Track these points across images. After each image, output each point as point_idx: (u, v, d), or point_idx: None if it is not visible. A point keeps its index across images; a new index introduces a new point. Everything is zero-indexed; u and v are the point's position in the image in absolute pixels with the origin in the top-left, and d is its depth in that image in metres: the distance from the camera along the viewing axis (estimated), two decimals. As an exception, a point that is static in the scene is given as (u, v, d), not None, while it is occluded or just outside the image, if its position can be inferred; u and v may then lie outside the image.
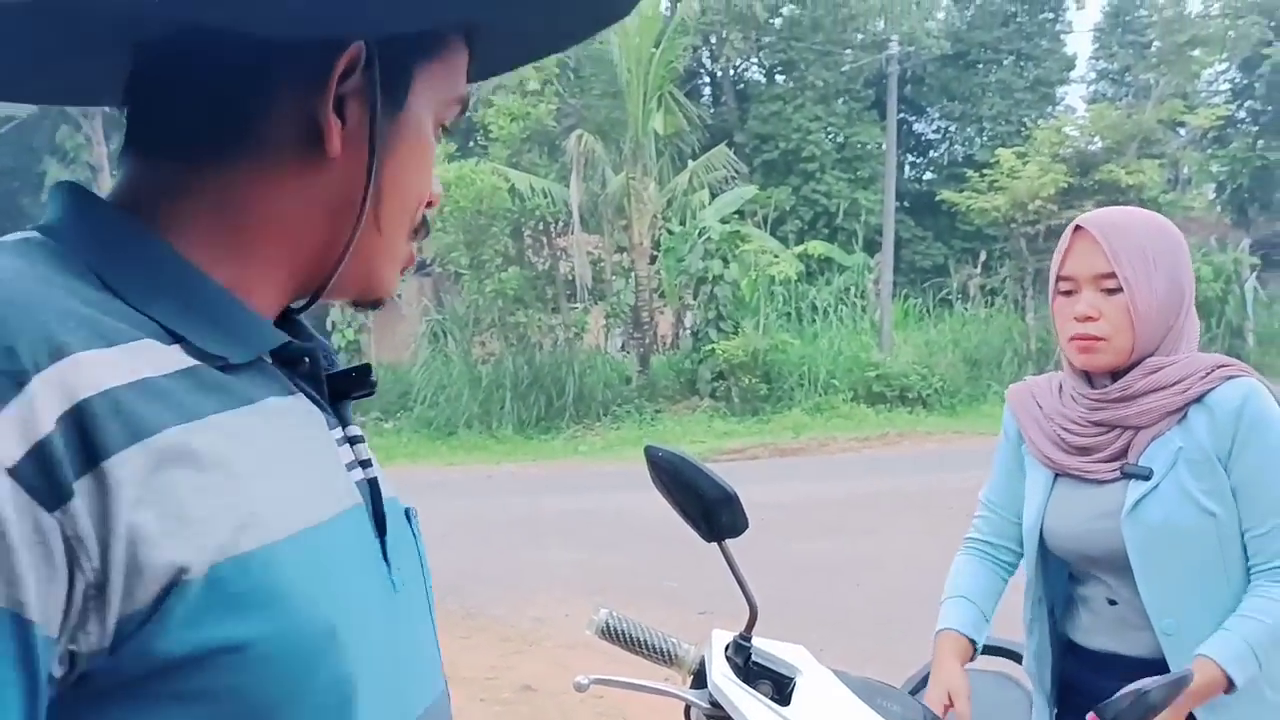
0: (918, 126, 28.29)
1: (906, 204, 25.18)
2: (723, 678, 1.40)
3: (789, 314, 18.47)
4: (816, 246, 20.62)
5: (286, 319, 0.79)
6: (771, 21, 24.81)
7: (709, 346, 16.56)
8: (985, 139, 25.27)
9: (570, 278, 18.29)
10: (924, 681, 2.08)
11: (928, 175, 27.93)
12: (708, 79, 27.37)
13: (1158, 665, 1.74)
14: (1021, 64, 25.49)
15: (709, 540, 1.42)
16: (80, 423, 0.57)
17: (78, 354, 0.58)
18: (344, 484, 0.74)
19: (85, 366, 0.59)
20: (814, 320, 18.50)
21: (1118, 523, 1.77)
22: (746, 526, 1.41)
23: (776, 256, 18.56)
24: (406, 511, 0.86)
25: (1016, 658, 2.19)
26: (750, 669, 1.42)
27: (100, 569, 0.57)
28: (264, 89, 0.69)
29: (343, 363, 0.84)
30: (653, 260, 18.11)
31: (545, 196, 17.32)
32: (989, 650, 2.19)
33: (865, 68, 24.05)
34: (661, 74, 17.67)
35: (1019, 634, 2.09)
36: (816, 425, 15.35)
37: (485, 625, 6.33)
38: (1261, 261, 20.95)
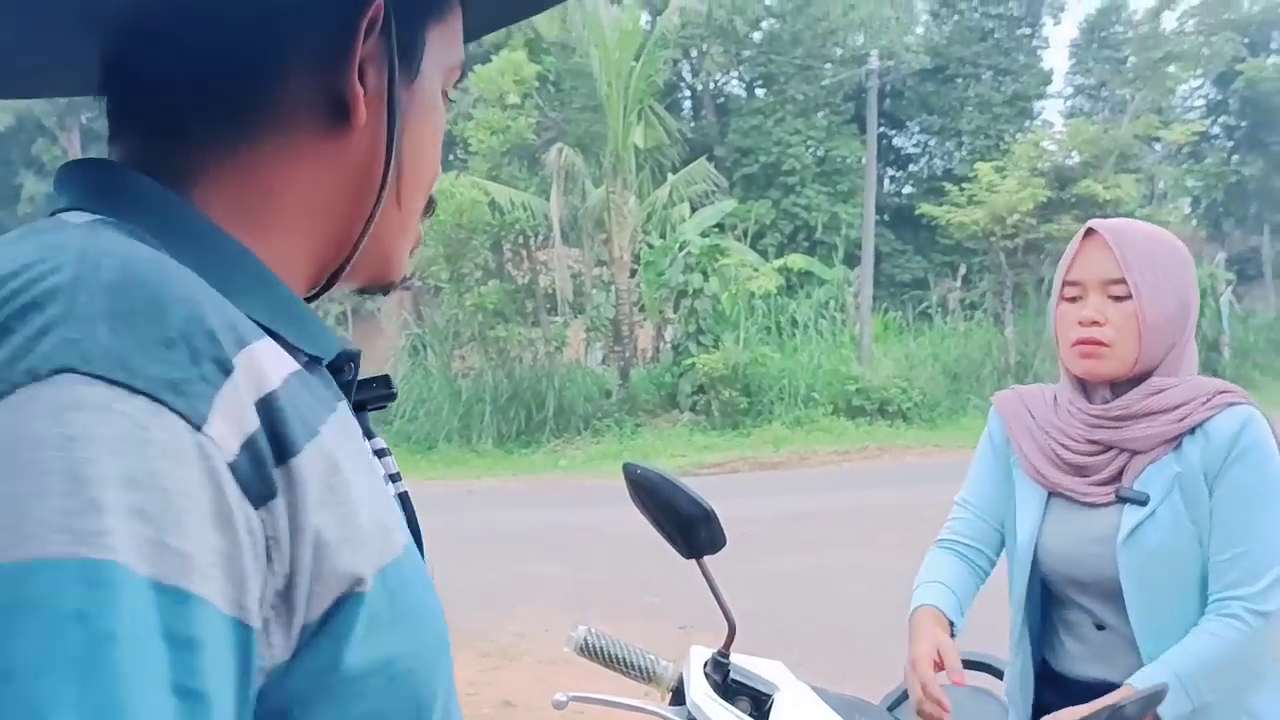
0: (897, 140, 28.43)
1: (886, 218, 25.28)
2: (701, 695, 1.39)
3: (769, 327, 18.50)
4: (796, 260, 20.68)
5: None
6: (751, 36, 24.92)
7: (689, 360, 16.56)
8: (964, 153, 25.42)
9: (550, 291, 18.29)
10: (903, 697, 2.08)
11: (907, 189, 28.07)
12: (688, 93, 27.46)
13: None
14: (999, 79, 25.68)
15: (687, 557, 1.42)
16: (270, 415, 0.54)
17: (253, 344, 0.55)
18: (393, 498, 0.69)
19: (262, 356, 0.55)
20: (794, 334, 18.54)
21: (1111, 549, 1.72)
22: (724, 544, 1.41)
23: (756, 270, 18.61)
24: None
25: (995, 672, 2.18)
26: (729, 685, 1.41)
27: (290, 573, 0.53)
28: (280, 57, 0.63)
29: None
30: (633, 274, 18.12)
31: (525, 210, 17.32)
32: (967, 664, 2.18)
33: (845, 82, 24.17)
34: (642, 88, 17.71)
35: (992, 649, 2.08)
36: (796, 439, 15.37)
37: (465, 640, 6.30)
38: (1236, 276, 21.13)
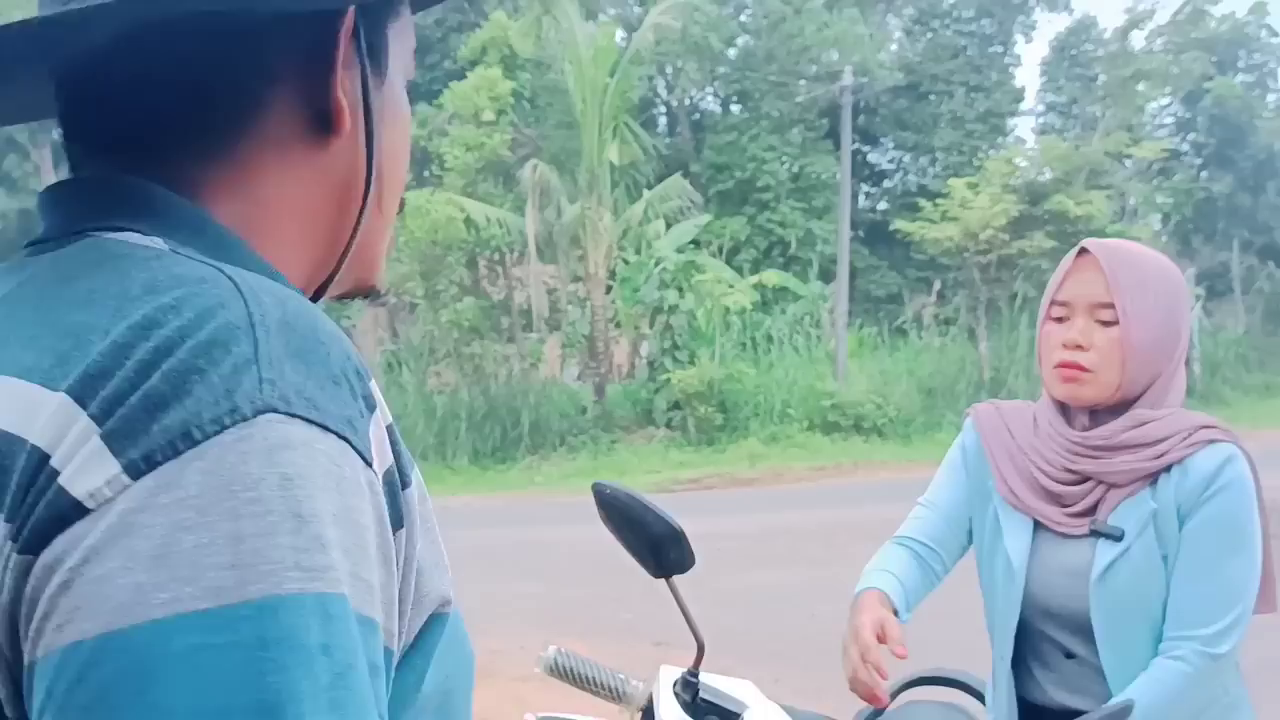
0: (871, 156, 28.61)
1: (861, 233, 25.42)
2: (670, 714, 1.39)
3: (744, 343, 18.53)
4: (772, 276, 20.75)
5: None
6: (726, 52, 25.04)
7: (665, 376, 16.57)
8: (938, 169, 25.60)
9: (526, 308, 18.28)
10: (875, 714, 2.07)
11: (882, 205, 28.23)
12: (663, 109, 27.54)
13: None
14: (972, 96, 25.89)
15: (657, 576, 1.42)
16: (395, 447, 0.57)
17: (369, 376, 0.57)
18: None
19: (375, 388, 0.57)
20: (769, 350, 18.58)
21: (1083, 582, 1.68)
22: (693, 563, 1.41)
23: (732, 286, 18.65)
24: None
25: (972, 692, 2.15)
26: (698, 705, 1.41)
27: (402, 599, 0.55)
28: (267, 72, 0.63)
29: None
30: (608, 290, 18.13)
31: (501, 226, 17.31)
32: (941, 681, 2.18)
33: (819, 98, 24.31)
34: (617, 104, 17.75)
35: (962, 665, 2.07)
36: (772, 455, 15.38)
37: (439, 659, 6.27)
38: (1206, 292, 21.35)
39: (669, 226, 18.79)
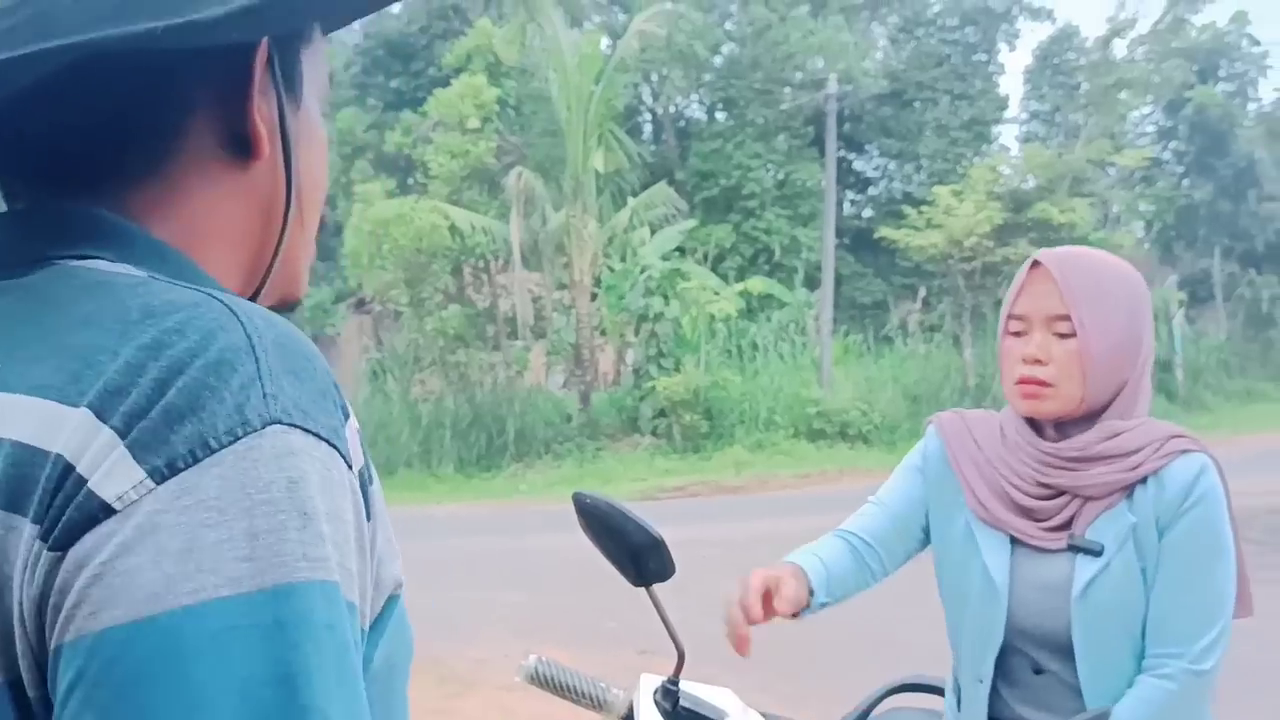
0: (857, 164, 28.70)
1: (846, 240, 25.49)
2: (651, 723, 1.39)
3: (730, 351, 18.56)
4: (757, 283, 20.78)
5: None
6: (712, 60, 25.11)
7: (650, 384, 16.58)
8: (923, 176, 25.70)
9: (511, 315, 18.27)
10: (859, 719, 2.07)
11: (867, 212, 28.32)
12: (648, 117, 27.59)
13: None
14: (957, 104, 26.01)
15: (637, 585, 1.42)
16: (363, 449, 0.63)
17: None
18: None
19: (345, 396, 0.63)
20: (755, 357, 18.61)
21: (1063, 600, 1.64)
22: (674, 572, 1.41)
23: (717, 293, 18.68)
24: None
25: (941, 692, 2.14)
26: (679, 713, 1.41)
27: (370, 588, 0.62)
28: (189, 103, 0.67)
29: None
30: (593, 298, 18.14)
31: (485, 234, 17.30)
32: (922, 688, 2.17)
33: (804, 106, 24.38)
34: (602, 112, 17.77)
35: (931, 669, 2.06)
36: (758, 462, 15.40)
37: (424, 667, 6.23)
38: (1188, 298, 21.48)
39: (654, 234, 18.82)
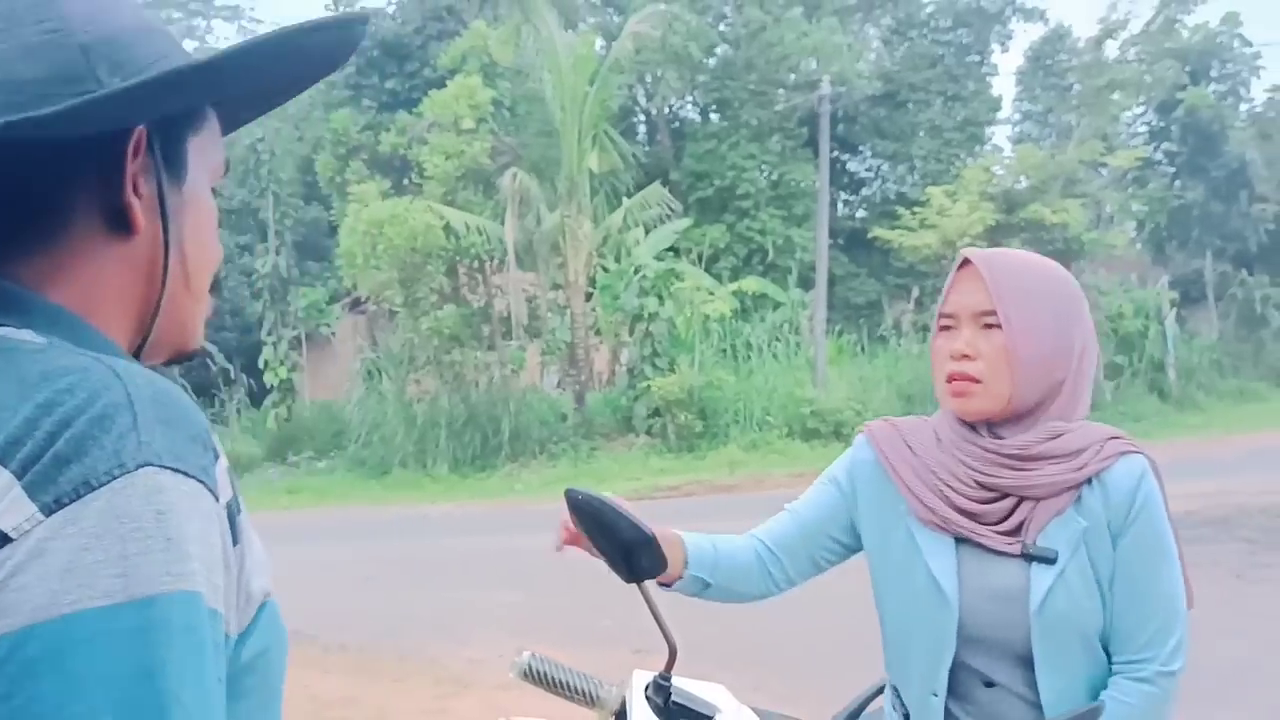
0: (850, 165, 28.72)
1: (840, 241, 25.51)
2: (643, 718, 1.41)
3: (724, 351, 18.58)
4: (751, 283, 20.81)
5: None
6: (706, 61, 25.12)
7: (645, 384, 16.60)
8: (916, 177, 25.73)
9: (506, 315, 18.27)
10: (850, 717, 2.09)
11: (860, 213, 28.35)
12: (643, 117, 27.60)
13: None
14: (950, 105, 26.04)
15: (628, 581, 1.44)
16: (231, 483, 0.75)
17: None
18: None
19: (216, 441, 0.75)
20: (749, 357, 18.63)
21: (1020, 610, 1.61)
22: (665, 568, 1.44)
23: (711, 293, 18.70)
24: None
25: None
26: (670, 708, 1.43)
27: (237, 599, 0.74)
28: (70, 185, 0.78)
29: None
30: (588, 298, 18.15)
31: (480, 234, 17.30)
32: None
33: (798, 107, 24.39)
34: (596, 112, 17.78)
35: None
36: (752, 462, 15.42)
37: (419, 667, 6.26)
38: (1180, 298, 21.52)
39: (648, 234, 18.82)
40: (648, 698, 1.44)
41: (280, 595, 0.82)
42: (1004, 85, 33.27)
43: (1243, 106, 25.31)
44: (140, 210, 0.80)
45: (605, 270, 18.14)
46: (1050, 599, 1.59)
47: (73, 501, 0.65)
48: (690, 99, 27.16)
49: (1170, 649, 1.62)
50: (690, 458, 15.85)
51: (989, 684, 1.67)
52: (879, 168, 28.46)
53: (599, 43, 20.34)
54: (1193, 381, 19.48)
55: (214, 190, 0.90)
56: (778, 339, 19.29)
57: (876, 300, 23.87)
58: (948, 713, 1.69)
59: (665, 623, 1.44)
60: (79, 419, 0.67)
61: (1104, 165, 21.11)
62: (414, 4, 24.06)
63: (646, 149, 25.70)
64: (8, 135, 0.71)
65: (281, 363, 20.84)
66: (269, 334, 21.12)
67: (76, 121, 0.74)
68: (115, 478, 0.66)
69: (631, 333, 17.55)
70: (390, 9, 24.72)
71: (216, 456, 0.73)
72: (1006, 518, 1.64)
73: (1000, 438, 1.67)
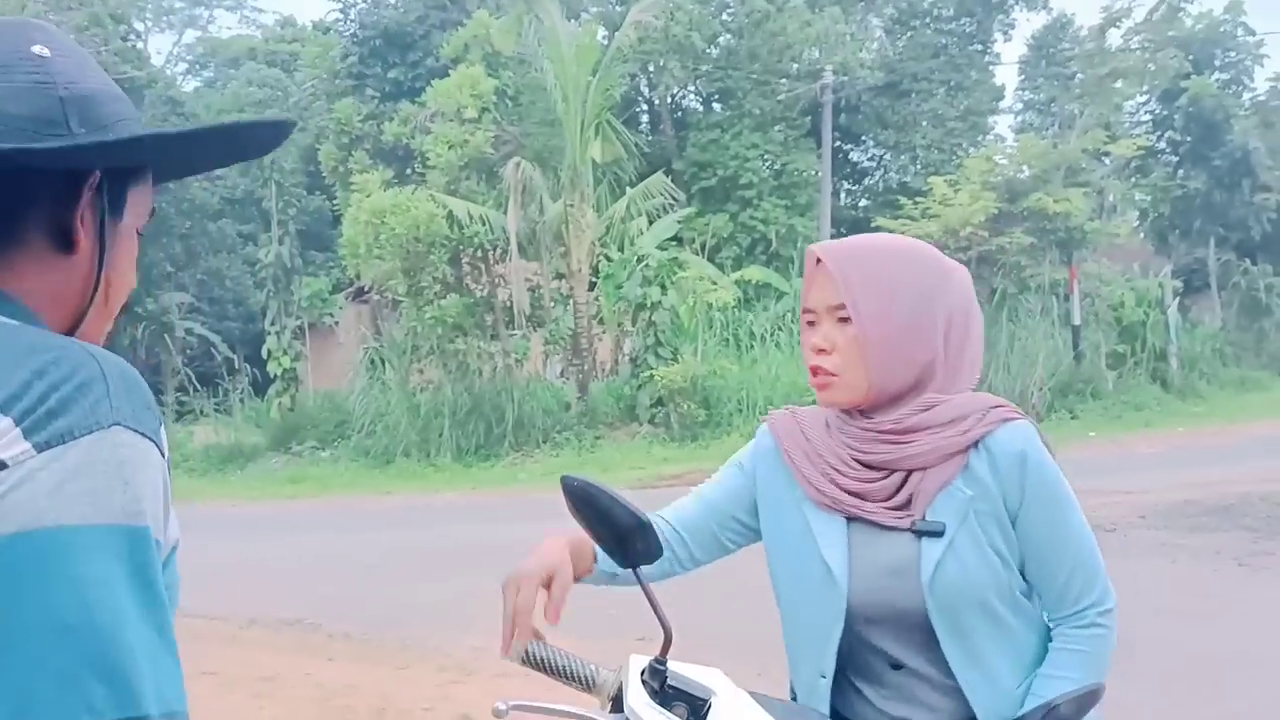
0: (853, 154, 28.68)
1: (843, 230, 25.43)
2: (638, 701, 1.43)
3: (727, 340, 18.59)
4: (754, 273, 20.80)
5: None
6: (709, 50, 25.08)
7: (648, 373, 16.61)
8: (919, 167, 25.69)
9: (509, 305, 18.28)
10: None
11: (863, 202, 28.31)
12: (645, 107, 27.56)
13: None
14: (953, 94, 25.98)
15: (624, 567, 1.47)
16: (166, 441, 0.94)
17: None
18: None
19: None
20: (752, 346, 18.63)
21: (911, 582, 1.61)
22: (661, 553, 1.46)
23: (714, 283, 18.70)
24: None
25: None
26: (666, 692, 1.45)
27: (166, 537, 0.92)
28: (33, 207, 0.98)
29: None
30: (591, 287, 18.15)
31: (483, 224, 17.31)
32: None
33: (801, 96, 24.36)
34: (599, 102, 17.77)
35: None
36: (754, 450, 15.41)
37: (423, 655, 6.30)
38: (1183, 287, 21.50)
39: (651, 224, 18.82)
40: (644, 681, 1.46)
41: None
42: (1007, 74, 33.30)
43: (1246, 95, 25.25)
44: (83, 235, 1.00)
45: (608, 260, 18.14)
46: (940, 571, 1.59)
47: (59, 445, 0.83)
48: (693, 88, 27.12)
49: (1100, 590, 1.65)
50: (694, 447, 15.87)
51: (896, 666, 1.68)
52: (881, 157, 28.42)
53: (601, 32, 20.30)
54: (1195, 371, 19.46)
55: (141, 227, 1.10)
56: (780, 328, 19.29)
57: (879, 290, 23.83)
58: (864, 699, 1.70)
59: (660, 607, 1.47)
60: (65, 385, 0.86)
61: (1107, 154, 21.06)
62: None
63: (649, 138, 25.67)
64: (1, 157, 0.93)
65: (285, 352, 20.87)
66: (272, 324, 21.16)
67: (57, 159, 0.96)
68: (92, 431, 0.84)
69: (635, 322, 17.56)
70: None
71: (160, 423, 0.92)
72: (895, 493, 1.65)
73: (875, 420, 1.69)
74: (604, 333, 19.03)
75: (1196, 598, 6.72)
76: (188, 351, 25.74)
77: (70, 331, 1.02)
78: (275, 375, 21.34)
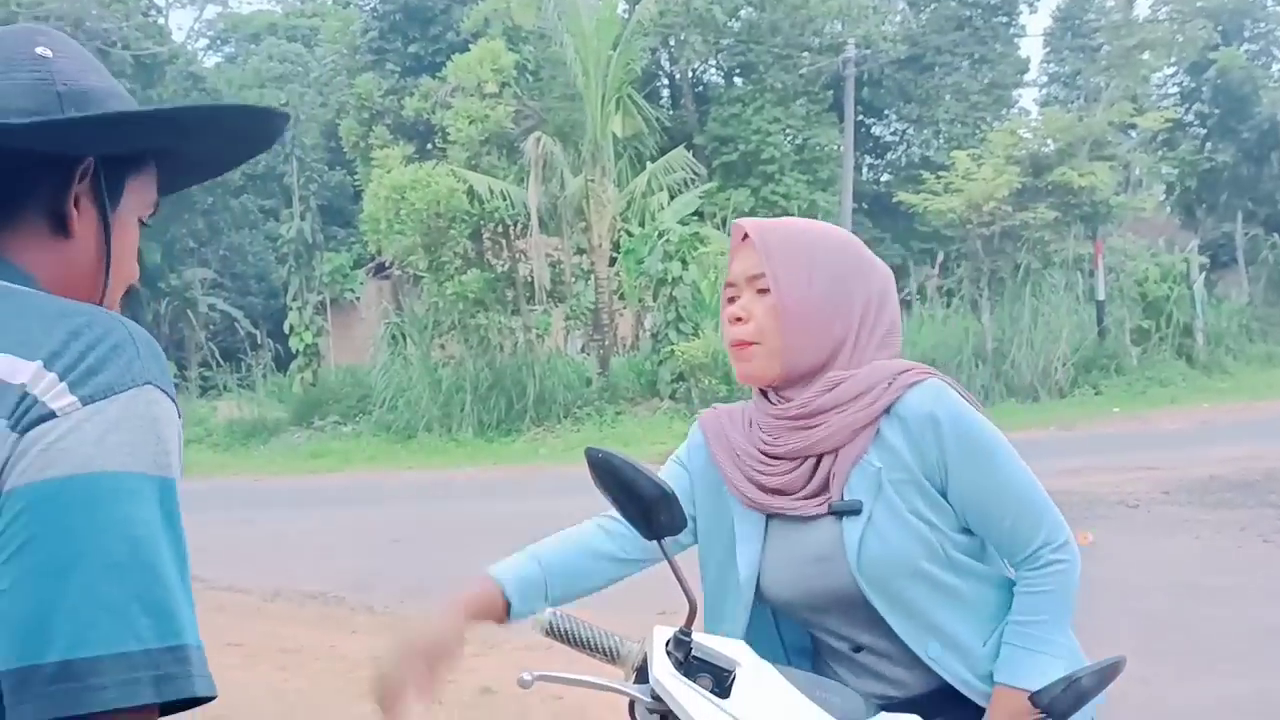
0: (875, 129, 28.52)
1: (864, 205, 25.38)
2: (663, 672, 1.43)
3: (748, 315, 18.49)
4: (775, 248, 20.69)
5: None
6: (730, 24, 24.94)
7: (669, 348, 16.60)
8: (941, 141, 25.52)
9: (530, 280, 18.29)
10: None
11: (885, 177, 28.18)
12: (666, 81, 27.45)
13: (938, 695, 1.65)
14: (977, 67, 25.77)
15: (648, 538, 1.46)
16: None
17: None
18: None
19: None
20: (773, 321, 18.53)
21: (838, 566, 1.61)
22: (685, 525, 1.45)
23: (735, 258, 18.61)
24: None
25: None
26: (690, 663, 1.45)
27: None
28: (29, 192, 1.03)
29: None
30: (612, 262, 18.13)
31: (504, 199, 17.30)
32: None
33: (823, 70, 24.20)
34: (620, 76, 17.69)
35: None
36: (776, 426, 15.40)
37: (444, 628, 6.33)
38: (1210, 262, 21.28)
39: (672, 198, 18.77)
40: (669, 653, 1.46)
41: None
42: (1032, 47, 32.97)
43: (1275, 67, 24.98)
44: (76, 220, 1.04)
45: (629, 235, 18.11)
46: (864, 548, 1.59)
47: (101, 399, 0.90)
48: (714, 62, 26.98)
49: (1049, 527, 1.63)
50: (714, 422, 15.84)
51: (857, 648, 1.69)
52: (904, 131, 28.25)
53: (622, 6, 20.21)
54: (1221, 346, 19.28)
55: (143, 220, 1.14)
56: (802, 304, 19.19)
57: (901, 265, 23.71)
58: (836, 679, 1.70)
59: (685, 579, 1.46)
60: (100, 345, 0.93)
61: (1133, 127, 20.81)
62: (437, -33, 23.96)
63: (670, 113, 25.57)
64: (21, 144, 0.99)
65: (307, 328, 20.92)
66: (294, 299, 21.21)
67: (34, 137, 1.00)
68: (129, 389, 0.91)
69: (655, 297, 17.53)
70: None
71: (173, 381, 1.00)
72: (810, 480, 1.65)
73: (788, 400, 1.68)
74: (625, 308, 19.02)
75: (1221, 574, 6.68)
76: (210, 327, 25.89)
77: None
78: (297, 350, 21.41)
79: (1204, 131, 24.28)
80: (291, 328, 21.04)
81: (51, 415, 0.88)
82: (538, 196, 17.01)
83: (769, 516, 1.70)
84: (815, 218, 22.64)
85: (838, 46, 23.84)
